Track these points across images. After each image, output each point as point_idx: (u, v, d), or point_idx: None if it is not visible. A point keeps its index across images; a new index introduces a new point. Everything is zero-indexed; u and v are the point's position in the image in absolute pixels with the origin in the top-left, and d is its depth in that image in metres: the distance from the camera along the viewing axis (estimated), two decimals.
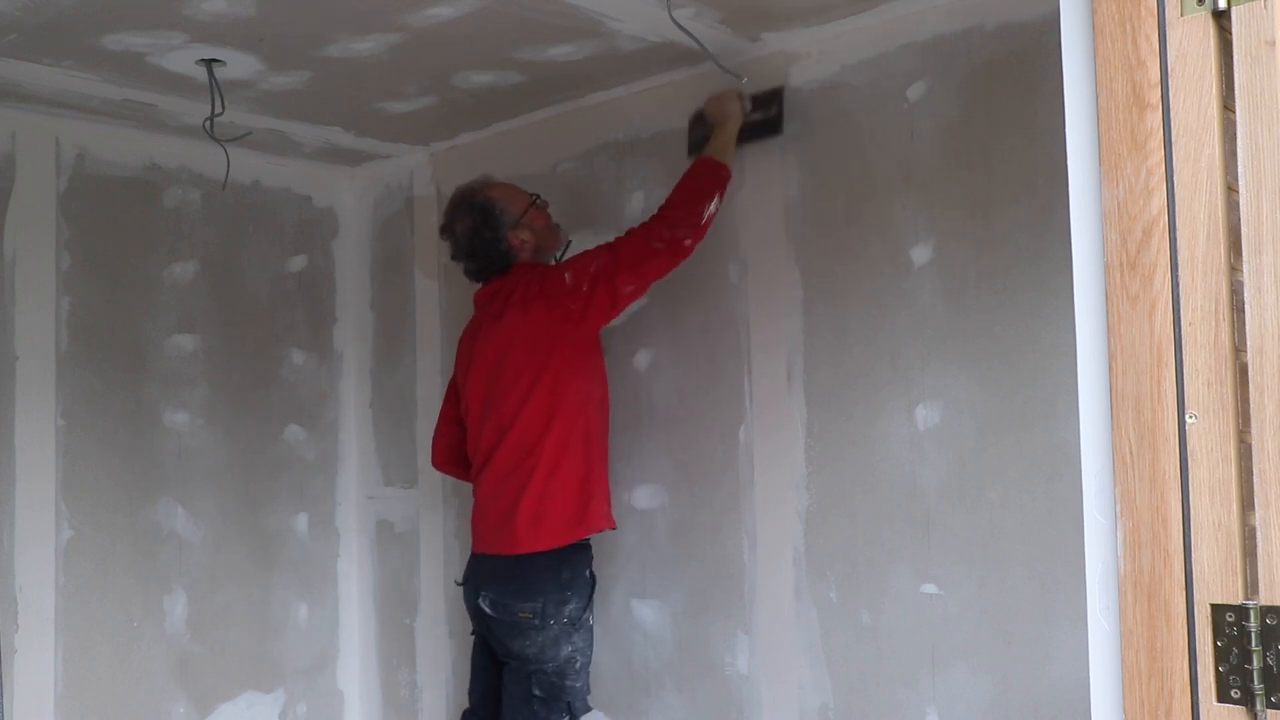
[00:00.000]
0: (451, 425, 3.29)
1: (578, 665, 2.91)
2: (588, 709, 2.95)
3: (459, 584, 3.14)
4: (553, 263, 3.12)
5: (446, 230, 3.13)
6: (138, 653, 3.56)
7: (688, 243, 2.83)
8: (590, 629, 2.96)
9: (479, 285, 3.16)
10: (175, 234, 3.71)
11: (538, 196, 3.12)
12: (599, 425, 3.00)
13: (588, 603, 2.92)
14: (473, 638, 3.15)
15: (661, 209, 2.88)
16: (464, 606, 3.12)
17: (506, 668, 2.95)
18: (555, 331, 2.88)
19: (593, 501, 2.93)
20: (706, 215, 2.84)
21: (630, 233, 2.88)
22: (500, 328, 2.96)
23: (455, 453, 3.29)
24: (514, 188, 3.14)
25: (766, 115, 3.00)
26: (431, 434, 3.43)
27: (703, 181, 2.87)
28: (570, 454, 2.90)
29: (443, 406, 3.38)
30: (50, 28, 2.76)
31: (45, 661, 3.36)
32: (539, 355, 2.89)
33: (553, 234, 3.14)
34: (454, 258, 3.16)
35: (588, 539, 2.96)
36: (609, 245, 2.88)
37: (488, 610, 2.92)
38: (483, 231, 3.02)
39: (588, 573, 2.95)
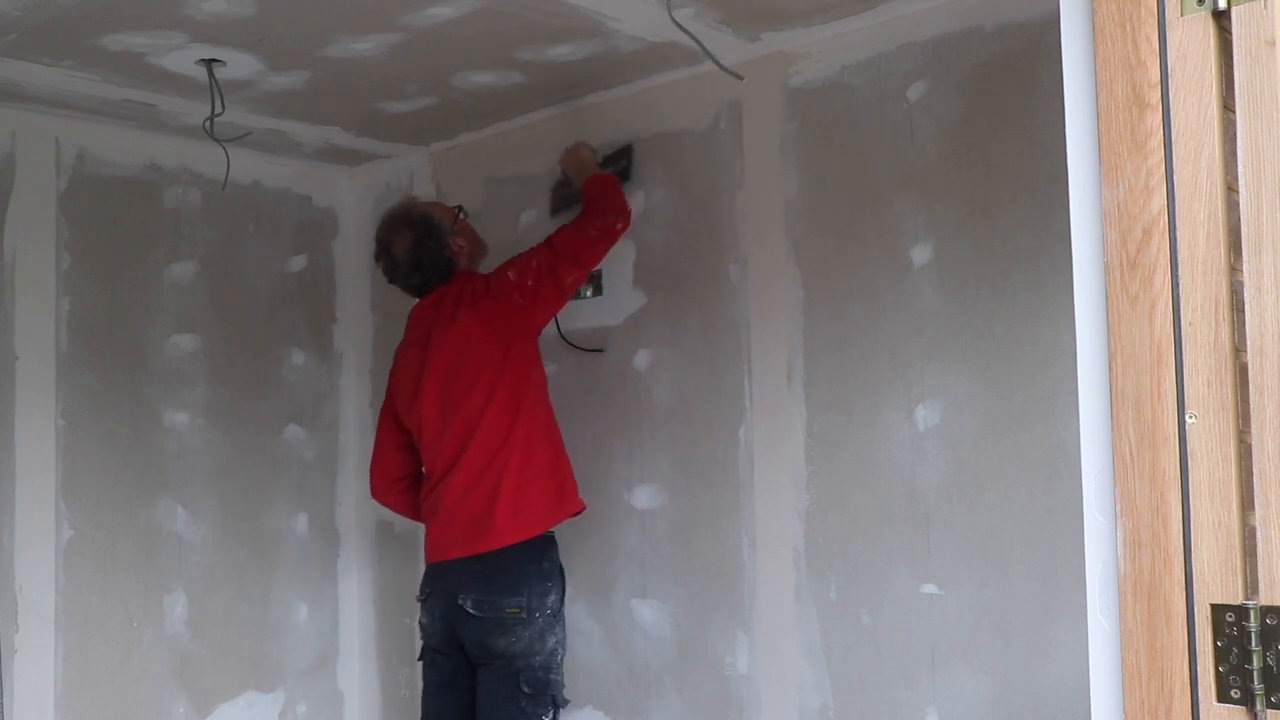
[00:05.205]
0: (393, 451, 3.25)
1: (559, 658, 2.98)
2: (566, 701, 3.01)
3: (420, 599, 3.13)
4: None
5: (382, 253, 3.16)
6: (138, 653, 3.56)
7: (619, 226, 3.04)
8: (564, 620, 3.04)
9: (415, 300, 3.19)
10: (175, 234, 3.71)
11: (461, 207, 3.26)
12: (553, 413, 3.10)
13: (563, 593, 3.01)
14: (420, 663, 3.15)
15: (582, 210, 3.07)
16: None
17: (485, 669, 2.96)
18: (508, 327, 2.98)
19: (566, 483, 3.05)
20: (626, 201, 3.09)
21: (562, 229, 3.05)
22: (455, 329, 3.01)
23: (397, 480, 3.27)
24: (438, 203, 3.33)
25: (617, 168, 3.27)
26: None
27: (603, 184, 3.10)
28: (539, 441, 3.00)
29: (379, 435, 3.31)
30: (50, 28, 2.76)
31: (45, 661, 3.36)
32: (497, 350, 2.97)
33: (481, 242, 3.29)
34: (392, 279, 3.17)
35: (552, 532, 3.01)
36: (546, 242, 3.03)
37: (471, 611, 2.93)
38: (426, 242, 3.10)
39: (560, 564, 3.02)
